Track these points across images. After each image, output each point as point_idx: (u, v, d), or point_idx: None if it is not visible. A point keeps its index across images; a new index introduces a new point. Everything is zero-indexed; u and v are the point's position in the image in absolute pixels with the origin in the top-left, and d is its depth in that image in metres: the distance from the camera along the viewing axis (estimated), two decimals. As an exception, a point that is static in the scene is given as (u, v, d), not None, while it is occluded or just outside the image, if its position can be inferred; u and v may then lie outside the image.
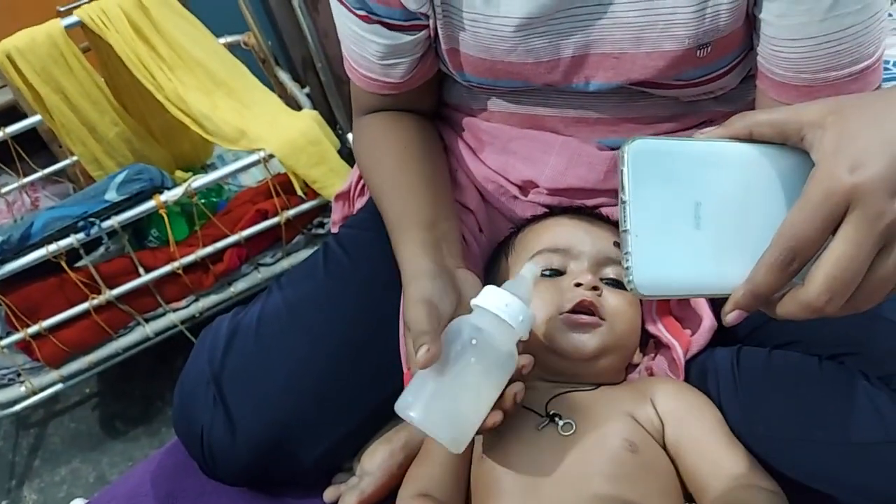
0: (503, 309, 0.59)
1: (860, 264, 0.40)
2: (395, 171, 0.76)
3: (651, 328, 0.74)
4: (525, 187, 0.81)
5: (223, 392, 0.69)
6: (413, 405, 0.57)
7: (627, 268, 0.42)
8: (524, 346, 0.71)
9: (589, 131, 0.77)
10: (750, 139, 0.45)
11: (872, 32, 0.59)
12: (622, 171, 0.43)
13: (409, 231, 0.69)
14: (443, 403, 0.57)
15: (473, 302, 0.61)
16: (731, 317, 0.44)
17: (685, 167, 0.44)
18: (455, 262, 0.67)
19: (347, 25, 0.73)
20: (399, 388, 0.72)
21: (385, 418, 0.74)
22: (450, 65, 0.73)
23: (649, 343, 0.75)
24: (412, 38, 0.71)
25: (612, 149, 0.76)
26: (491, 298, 0.60)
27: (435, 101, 0.86)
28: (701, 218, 0.44)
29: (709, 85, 0.69)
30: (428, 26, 0.70)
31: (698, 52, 0.64)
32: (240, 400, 0.69)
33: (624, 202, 0.43)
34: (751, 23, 0.63)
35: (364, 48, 0.74)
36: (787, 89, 0.63)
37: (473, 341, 0.58)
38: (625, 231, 0.43)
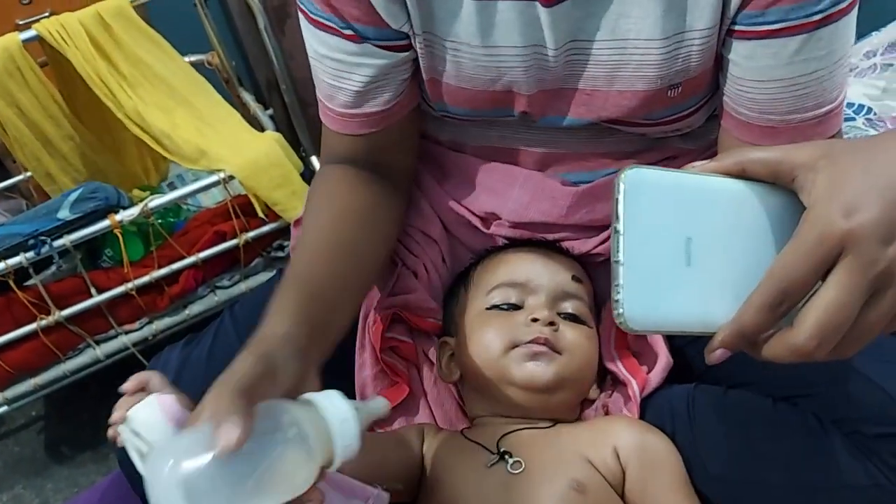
0: (337, 425, 0.49)
1: (851, 311, 0.40)
2: (316, 231, 0.68)
3: (608, 364, 0.74)
4: (487, 219, 0.80)
5: None
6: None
7: (617, 300, 0.41)
8: (481, 382, 0.70)
9: (555, 166, 0.77)
10: (741, 175, 0.45)
11: (836, 78, 0.60)
12: (617, 199, 0.42)
13: (290, 291, 0.60)
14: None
15: (313, 396, 0.50)
16: (714, 355, 0.44)
17: (679, 201, 0.43)
18: (317, 353, 0.58)
19: (328, 56, 0.68)
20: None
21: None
22: (429, 95, 0.72)
23: (606, 379, 0.75)
24: (403, 55, 0.68)
25: (575, 184, 0.77)
26: (332, 404, 0.50)
27: (415, 147, 0.79)
28: (692, 254, 0.43)
29: (677, 123, 0.70)
30: (413, 47, 0.68)
31: (669, 92, 0.65)
32: None
33: (618, 232, 0.42)
34: (719, 63, 0.64)
35: (348, 78, 0.68)
36: (752, 129, 0.63)
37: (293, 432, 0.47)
38: (617, 262, 0.42)
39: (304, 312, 0.58)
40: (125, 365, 1.35)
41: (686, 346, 0.73)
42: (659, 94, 0.64)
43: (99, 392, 1.51)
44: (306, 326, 0.57)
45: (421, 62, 0.67)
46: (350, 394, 0.72)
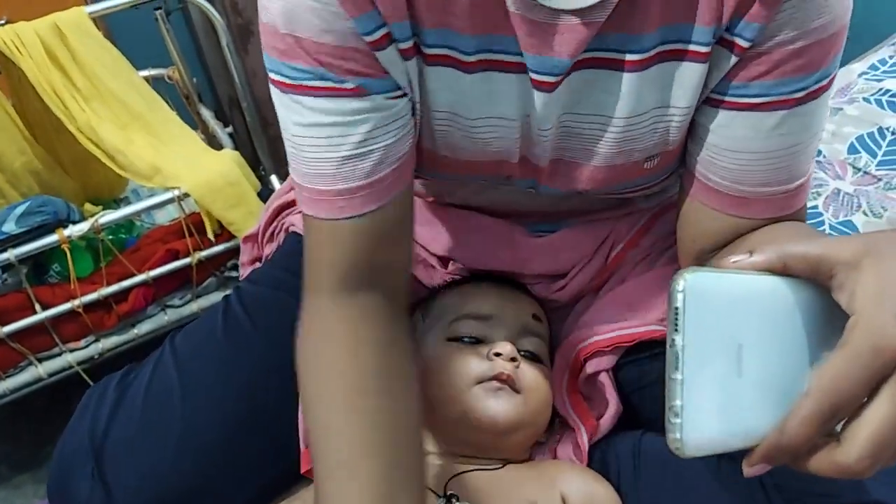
0: None
1: None
2: (337, 420, 0.58)
3: (559, 408, 0.74)
4: (445, 261, 0.80)
5: (103, 465, 0.64)
6: None
7: (676, 423, 0.38)
8: (436, 415, 0.69)
9: (517, 219, 0.77)
10: (783, 272, 0.43)
11: (809, 152, 0.60)
12: (677, 308, 0.39)
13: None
14: None
15: None
16: (754, 469, 0.42)
17: (731, 306, 0.41)
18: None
19: (315, 123, 0.57)
20: (294, 464, 0.69)
21: (276, 495, 0.71)
22: None
23: (556, 422, 0.75)
24: (404, 102, 0.59)
25: (537, 233, 0.76)
26: None
27: (412, 237, 0.68)
28: (743, 363, 0.41)
29: (648, 189, 0.69)
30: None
31: (646, 163, 0.63)
32: (121, 474, 0.64)
33: (675, 345, 0.39)
34: (691, 130, 0.62)
35: (346, 141, 0.58)
36: (721, 197, 0.61)
37: None
38: (674, 379, 0.39)
39: None
40: (69, 383, 1.31)
41: (634, 393, 0.74)
42: (635, 165, 0.63)
43: (42, 410, 1.47)
44: None
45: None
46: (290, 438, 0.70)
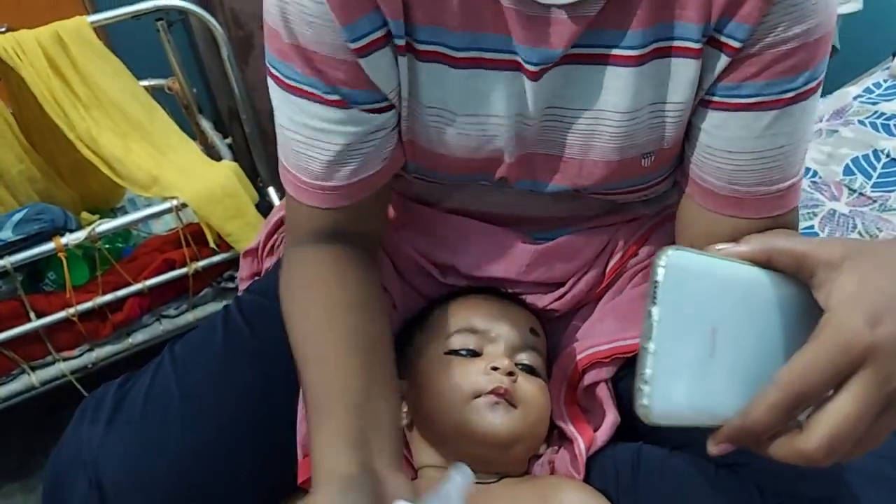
0: None
1: (865, 425, 0.40)
2: (322, 330, 0.61)
3: (557, 420, 0.74)
4: (444, 269, 0.80)
5: (100, 475, 0.63)
6: None
7: (643, 390, 0.40)
8: (434, 429, 0.69)
9: (517, 226, 0.77)
10: (766, 264, 0.45)
11: (799, 152, 0.61)
12: (657, 282, 0.41)
13: (330, 415, 0.55)
14: None
15: None
16: (718, 448, 0.43)
17: (710, 288, 0.42)
18: (386, 461, 0.53)
19: (305, 124, 0.62)
20: (292, 474, 0.69)
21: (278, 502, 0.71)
22: (406, 156, 0.68)
23: (553, 434, 0.75)
24: (385, 116, 0.63)
25: (535, 240, 0.77)
26: None
27: (387, 209, 0.75)
28: (716, 345, 0.42)
29: (646, 191, 0.70)
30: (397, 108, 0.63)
31: (643, 160, 0.64)
32: (119, 486, 0.63)
33: (651, 317, 0.40)
34: (687, 131, 0.64)
35: (326, 147, 0.62)
36: (716, 198, 0.63)
37: None
38: (646, 350, 0.40)
39: (356, 432, 0.53)
40: (63, 391, 1.31)
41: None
42: (633, 162, 0.64)
43: (34, 419, 1.46)
44: (363, 447, 0.53)
45: (402, 123, 0.65)
46: (291, 445, 0.70)
